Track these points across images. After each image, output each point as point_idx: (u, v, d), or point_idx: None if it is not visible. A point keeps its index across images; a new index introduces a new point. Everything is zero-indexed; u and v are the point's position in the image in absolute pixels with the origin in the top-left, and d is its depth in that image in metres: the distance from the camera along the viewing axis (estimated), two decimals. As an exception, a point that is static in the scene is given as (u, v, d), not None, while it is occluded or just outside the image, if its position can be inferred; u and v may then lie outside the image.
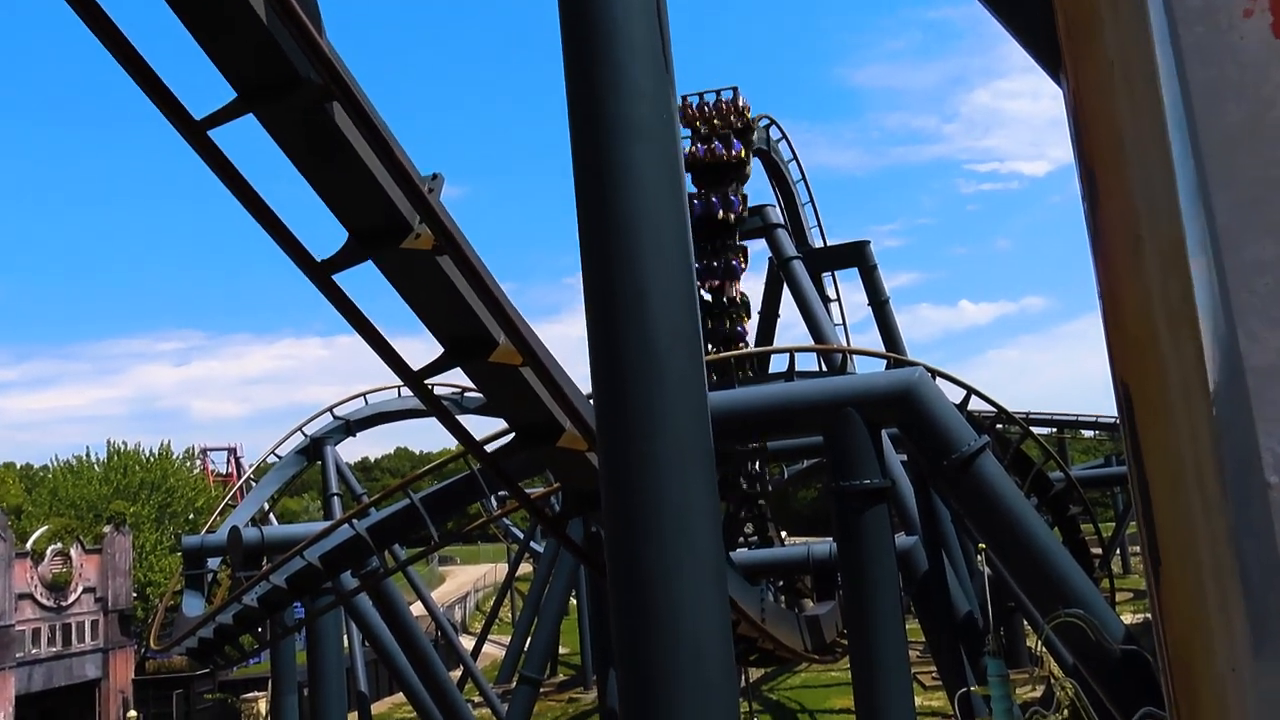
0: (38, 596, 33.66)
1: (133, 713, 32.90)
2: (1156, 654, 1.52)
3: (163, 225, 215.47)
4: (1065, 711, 11.95)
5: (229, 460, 73.24)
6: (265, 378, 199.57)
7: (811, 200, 39.36)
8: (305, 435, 36.14)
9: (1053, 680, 13.50)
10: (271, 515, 39.54)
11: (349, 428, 36.34)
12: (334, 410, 36.39)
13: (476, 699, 34.84)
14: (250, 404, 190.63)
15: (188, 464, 60.44)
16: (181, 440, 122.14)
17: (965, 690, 13.32)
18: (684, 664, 6.98)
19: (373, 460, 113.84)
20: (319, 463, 35.90)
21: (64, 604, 34.52)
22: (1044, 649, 12.62)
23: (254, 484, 39.49)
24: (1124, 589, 41.87)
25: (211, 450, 72.67)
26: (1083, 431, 56.58)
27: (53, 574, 34.48)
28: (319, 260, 9.63)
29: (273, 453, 37.23)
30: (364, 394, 37.26)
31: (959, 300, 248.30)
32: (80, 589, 35.19)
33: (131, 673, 36.65)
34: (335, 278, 9.86)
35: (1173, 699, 1.26)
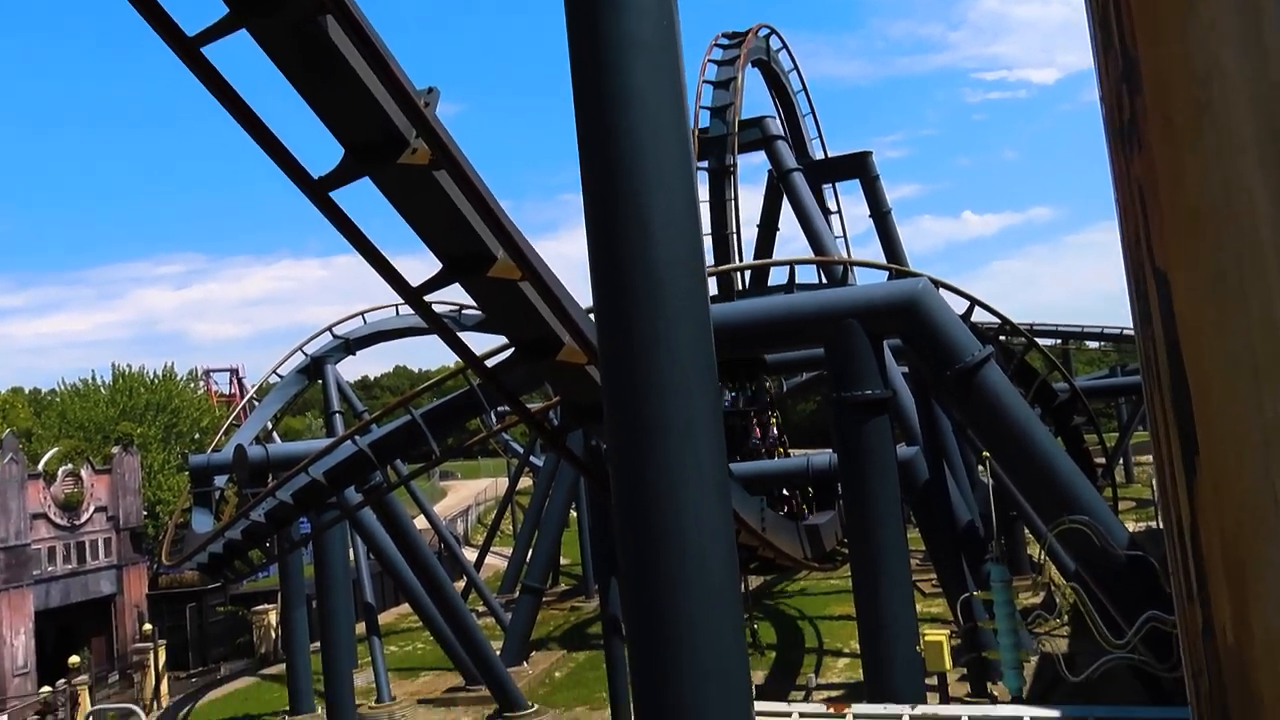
0: (51, 516, 34.12)
1: (148, 625, 33.70)
2: (1172, 555, 1.48)
3: (160, 148, 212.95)
4: (1066, 616, 12.18)
5: (231, 381, 73.54)
6: (265, 299, 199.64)
7: (813, 111, 38.73)
8: (306, 355, 36.23)
9: (1053, 587, 13.71)
10: (275, 434, 39.82)
11: (349, 346, 36.41)
12: (333, 329, 36.41)
13: (480, 609, 35.57)
14: (251, 325, 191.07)
15: (191, 385, 60.69)
16: (184, 362, 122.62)
17: (967, 595, 13.55)
18: (688, 572, 7.05)
19: (372, 379, 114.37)
20: (320, 381, 36.05)
21: (77, 523, 35.01)
22: (1045, 557, 12.81)
23: (257, 404, 39.74)
24: (1127, 498, 42.38)
25: (214, 371, 72.98)
26: (1088, 343, 56.52)
27: (65, 494, 34.91)
28: (316, 178, 9.48)
29: (274, 372, 37.40)
30: (363, 313, 37.25)
31: (962, 211, 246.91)
32: (92, 508, 35.65)
33: (145, 588, 37.37)
34: (333, 195, 9.72)
35: (1204, 595, 1.21)
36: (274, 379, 37.41)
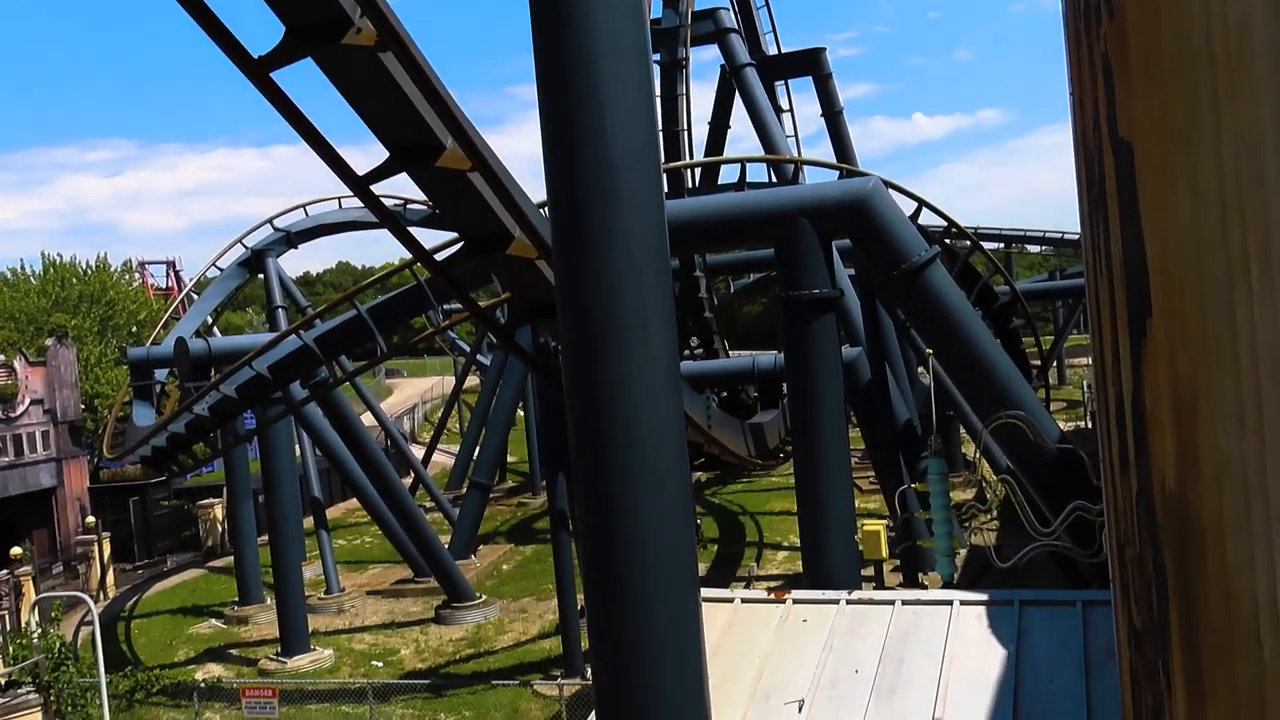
0: (-17, 408, 33.51)
1: (90, 518, 33.51)
2: (1106, 436, 1.53)
3: (83, 25, 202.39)
4: (996, 510, 12.69)
5: (168, 274, 71.79)
6: (201, 190, 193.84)
7: (767, 4, 37.94)
8: (246, 248, 35.36)
9: (985, 483, 14.24)
10: (215, 328, 39.13)
11: (290, 239, 35.58)
12: (274, 222, 35.51)
13: (428, 504, 35.92)
14: (186, 216, 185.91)
15: (126, 277, 59.13)
16: (117, 253, 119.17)
17: (904, 487, 14.01)
18: (640, 461, 7.19)
19: (314, 274, 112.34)
20: (260, 276, 35.31)
21: (12, 415, 34.37)
22: (979, 453, 13.27)
23: (195, 297, 38.89)
24: (1058, 399, 43.75)
25: (150, 264, 71.07)
26: (1029, 247, 57.43)
27: (-3, 386, 34.20)
28: (256, 57, 9.15)
29: (213, 265, 36.51)
30: (304, 205, 36.34)
31: (913, 113, 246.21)
32: (28, 400, 34.98)
33: (86, 481, 37.01)
34: (274, 76, 9.41)
35: (1141, 459, 1.27)
36: (213, 272, 36.54)
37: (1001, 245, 52.35)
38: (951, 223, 22.41)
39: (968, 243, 23.92)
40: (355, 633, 25.48)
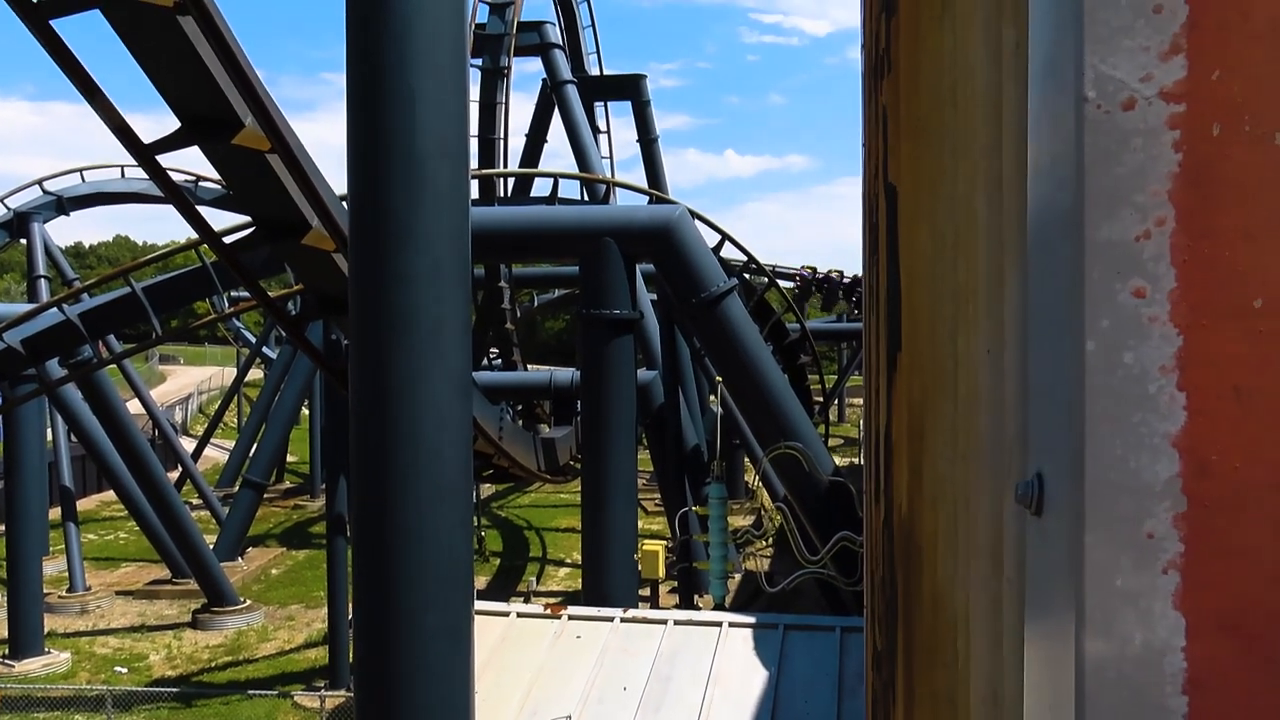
0: None
1: None
2: (869, 467, 1.60)
3: None
4: (771, 538, 13.22)
5: (-89, 228, 64.38)
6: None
7: (593, 24, 38.31)
8: (8, 208, 32.24)
9: (762, 512, 14.83)
10: (-36, 294, 35.46)
11: (61, 205, 32.73)
12: (44, 184, 32.59)
13: (195, 501, 33.81)
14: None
15: None
16: None
17: (686, 510, 14.35)
18: (422, 469, 7.03)
19: (87, 246, 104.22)
20: (24, 241, 32.27)
21: None
22: (759, 484, 13.81)
23: (-57, 257, 35.13)
24: (837, 435, 46.15)
25: (-112, 214, 63.48)
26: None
27: None
28: (35, 0, 8.41)
29: (-33, 224, 33.06)
30: (81, 169, 33.56)
31: (725, 149, 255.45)
32: None
33: None
34: (54, 25, 8.67)
35: (888, 483, 1.34)
36: (-35, 232, 33.09)
37: (795, 284, 54.83)
38: (751, 258, 23.28)
39: (765, 279, 24.93)
40: (99, 635, 23.56)
